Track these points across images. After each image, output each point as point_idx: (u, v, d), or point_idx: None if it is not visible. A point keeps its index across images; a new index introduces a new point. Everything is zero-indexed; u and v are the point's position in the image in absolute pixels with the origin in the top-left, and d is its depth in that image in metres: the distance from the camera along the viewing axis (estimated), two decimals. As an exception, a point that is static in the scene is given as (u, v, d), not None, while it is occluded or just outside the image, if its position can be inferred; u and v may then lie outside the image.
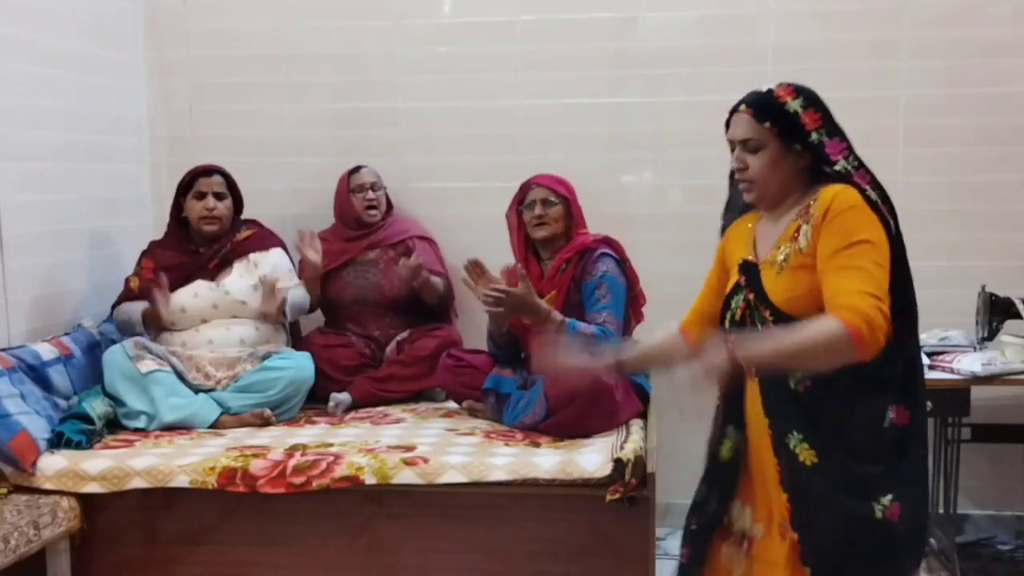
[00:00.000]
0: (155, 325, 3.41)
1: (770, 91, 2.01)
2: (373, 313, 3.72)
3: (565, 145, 3.82)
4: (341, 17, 3.94)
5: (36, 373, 3.09)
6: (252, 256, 3.56)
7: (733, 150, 2.04)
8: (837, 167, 1.95)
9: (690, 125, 3.70)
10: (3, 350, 3.06)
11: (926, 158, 3.69)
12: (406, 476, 2.82)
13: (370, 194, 3.73)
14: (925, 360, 3.30)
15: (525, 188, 3.32)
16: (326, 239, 3.72)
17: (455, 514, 2.86)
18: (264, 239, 3.62)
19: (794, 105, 1.97)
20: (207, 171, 3.53)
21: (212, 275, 3.51)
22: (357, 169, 3.78)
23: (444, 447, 2.97)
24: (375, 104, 3.95)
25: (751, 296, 2.01)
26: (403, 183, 3.92)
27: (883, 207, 1.91)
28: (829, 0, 3.70)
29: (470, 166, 3.92)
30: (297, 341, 3.71)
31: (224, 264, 3.53)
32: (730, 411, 2.10)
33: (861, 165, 1.98)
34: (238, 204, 3.61)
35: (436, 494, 2.83)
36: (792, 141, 1.96)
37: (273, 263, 3.56)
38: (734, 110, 2.04)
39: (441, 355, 3.51)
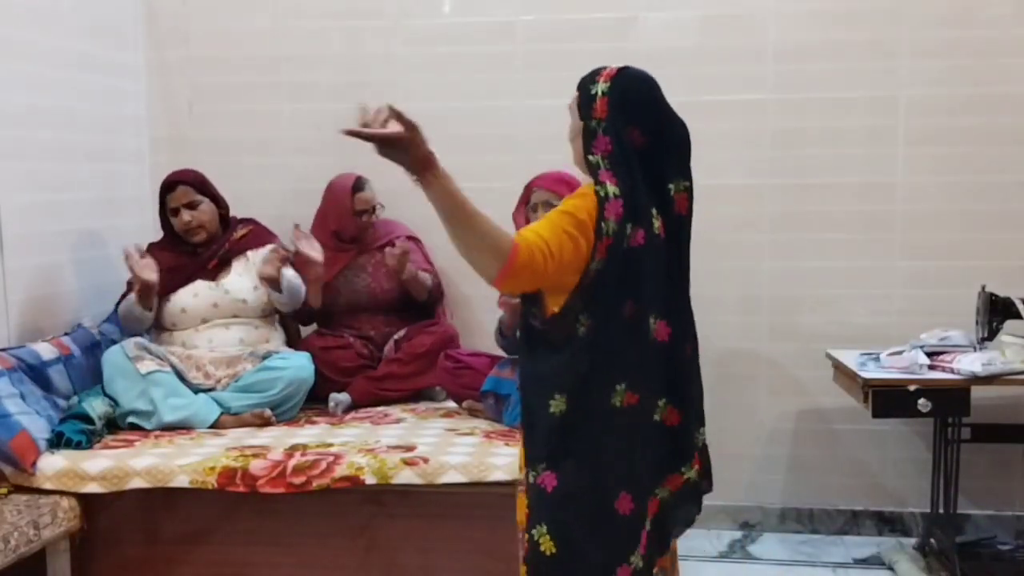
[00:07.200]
0: (148, 297, 3.33)
1: (605, 67, 2.04)
2: (367, 316, 3.71)
3: (565, 145, 3.76)
4: (341, 17, 3.94)
5: (36, 373, 3.09)
6: (250, 254, 3.57)
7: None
8: (591, 159, 2.00)
9: (690, 125, 3.61)
10: (3, 350, 3.06)
11: (926, 158, 3.69)
12: (406, 476, 2.82)
13: (369, 217, 3.68)
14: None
15: (528, 189, 3.30)
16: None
17: (455, 514, 2.86)
18: (261, 236, 3.63)
19: (599, 88, 2.01)
20: (170, 185, 3.50)
21: (212, 275, 3.51)
22: (361, 187, 3.67)
23: (444, 447, 2.97)
24: (375, 104, 3.92)
25: None
26: (403, 183, 3.88)
27: (615, 204, 1.91)
28: (829, 0, 3.70)
29: (470, 166, 3.85)
30: (296, 342, 3.71)
31: (223, 264, 3.54)
32: None
33: (611, 167, 1.97)
34: (220, 202, 3.57)
35: (436, 494, 2.83)
36: (584, 117, 2.00)
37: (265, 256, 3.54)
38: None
39: (439, 352, 3.52)
